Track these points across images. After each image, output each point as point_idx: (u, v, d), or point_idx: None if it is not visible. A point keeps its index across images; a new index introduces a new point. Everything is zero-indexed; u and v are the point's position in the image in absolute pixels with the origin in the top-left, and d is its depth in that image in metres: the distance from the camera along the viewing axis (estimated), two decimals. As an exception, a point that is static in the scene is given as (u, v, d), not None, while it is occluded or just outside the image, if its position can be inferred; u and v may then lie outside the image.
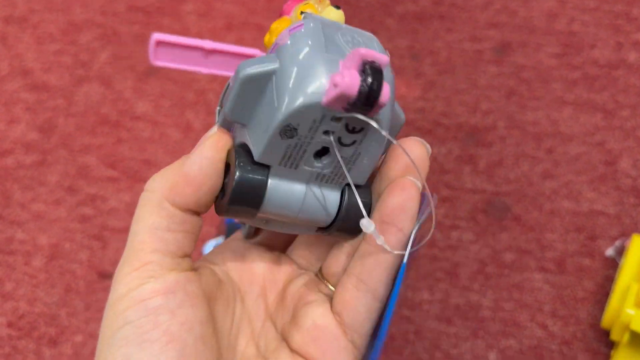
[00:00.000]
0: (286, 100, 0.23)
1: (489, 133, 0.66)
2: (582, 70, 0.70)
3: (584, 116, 0.66)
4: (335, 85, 0.21)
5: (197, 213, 0.27)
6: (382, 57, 0.21)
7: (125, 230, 0.62)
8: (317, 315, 0.28)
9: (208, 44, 0.31)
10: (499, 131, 0.66)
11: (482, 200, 0.61)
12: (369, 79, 0.21)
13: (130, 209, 0.63)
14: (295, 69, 0.23)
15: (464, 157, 0.64)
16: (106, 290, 0.58)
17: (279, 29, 0.26)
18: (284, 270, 0.31)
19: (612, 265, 0.56)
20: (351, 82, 0.21)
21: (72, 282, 0.59)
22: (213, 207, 0.28)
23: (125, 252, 0.26)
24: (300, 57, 0.23)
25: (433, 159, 0.64)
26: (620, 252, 0.56)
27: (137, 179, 0.65)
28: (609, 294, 0.54)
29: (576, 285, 0.55)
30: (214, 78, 0.73)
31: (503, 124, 0.66)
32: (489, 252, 0.57)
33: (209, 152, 0.25)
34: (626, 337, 0.48)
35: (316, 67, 0.23)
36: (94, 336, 0.56)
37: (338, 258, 0.29)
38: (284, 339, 0.29)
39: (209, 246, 0.58)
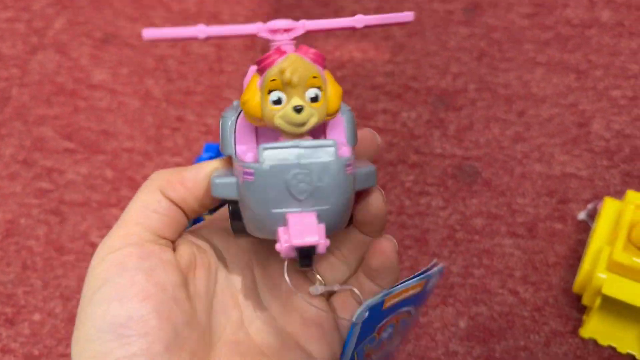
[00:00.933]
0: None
1: (459, 96, 0.64)
2: (554, 30, 0.68)
3: (557, 77, 0.64)
4: (278, 247, 0.26)
5: (182, 209, 0.29)
6: (312, 239, 0.25)
7: (83, 204, 0.59)
8: (319, 306, 0.31)
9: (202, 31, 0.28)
10: (470, 94, 0.64)
11: (451, 165, 0.59)
12: (301, 259, 0.26)
13: (88, 182, 0.61)
14: (253, 213, 0.27)
15: (433, 121, 0.62)
16: (65, 266, 0.56)
17: (249, 98, 0.26)
18: (270, 247, 0.32)
19: (585, 228, 0.55)
20: (287, 252, 0.25)
21: (29, 259, 0.57)
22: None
23: (115, 224, 0.29)
24: (255, 204, 0.27)
25: (402, 124, 0.62)
26: (593, 215, 0.55)
27: (94, 150, 0.63)
28: (581, 259, 0.53)
29: (548, 250, 0.54)
30: (174, 43, 0.70)
31: (474, 87, 0.64)
32: (459, 218, 0.56)
33: (205, 172, 0.29)
34: (598, 301, 0.47)
35: (268, 221, 0.26)
36: (52, 315, 0.53)
37: (331, 262, 0.32)
38: (276, 320, 0.31)
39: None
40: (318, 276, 0.32)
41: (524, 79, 0.64)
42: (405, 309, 0.32)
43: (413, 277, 0.31)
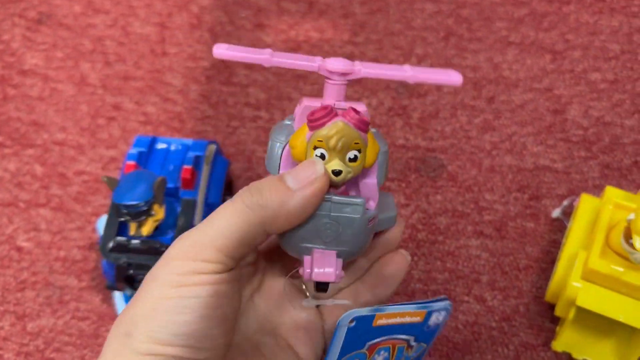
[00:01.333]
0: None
1: (425, 80, 0.58)
2: (529, 6, 0.62)
3: (531, 58, 0.59)
4: (301, 272, 0.32)
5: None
6: (328, 275, 0.31)
7: (11, 204, 0.54)
8: (309, 313, 0.35)
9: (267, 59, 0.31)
10: (436, 78, 0.58)
11: (415, 157, 0.54)
12: (317, 287, 0.32)
13: (16, 179, 0.55)
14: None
15: (396, 108, 0.57)
16: (-12, 273, 0.51)
17: (297, 145, 0.30)
18: (271, 257, 0.36)
19: (560, 227, 0.50)
20: (309, 278, 0.31)
21: (-52, 266, 0.51)
22: None
23: (204, 235, 0.29)
24: (290, 234, 0.31)
25: (363, 111, 0.57)
26: (568, 213, 0.50)
27: (24, 143, 0.57)
28: (555, 262, 0.48)
29: (518, 252, 0.49)
30: (114, 23, 0.64)
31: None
32: (421, 217, 0.51)
33: (315, 200, 0.30)
34: (572, 312, 0.42)
35: (297, 249, 0.32)
36: (-28, 328, 0.48)
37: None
38: (268, 323, 0.34)
39: (101, 220, 0.50)
40: (307, 293, 0.36)
41: (494, 60, 0.59)
42: (402, 336, 0.34)
43: (410, 303, 0.33)
